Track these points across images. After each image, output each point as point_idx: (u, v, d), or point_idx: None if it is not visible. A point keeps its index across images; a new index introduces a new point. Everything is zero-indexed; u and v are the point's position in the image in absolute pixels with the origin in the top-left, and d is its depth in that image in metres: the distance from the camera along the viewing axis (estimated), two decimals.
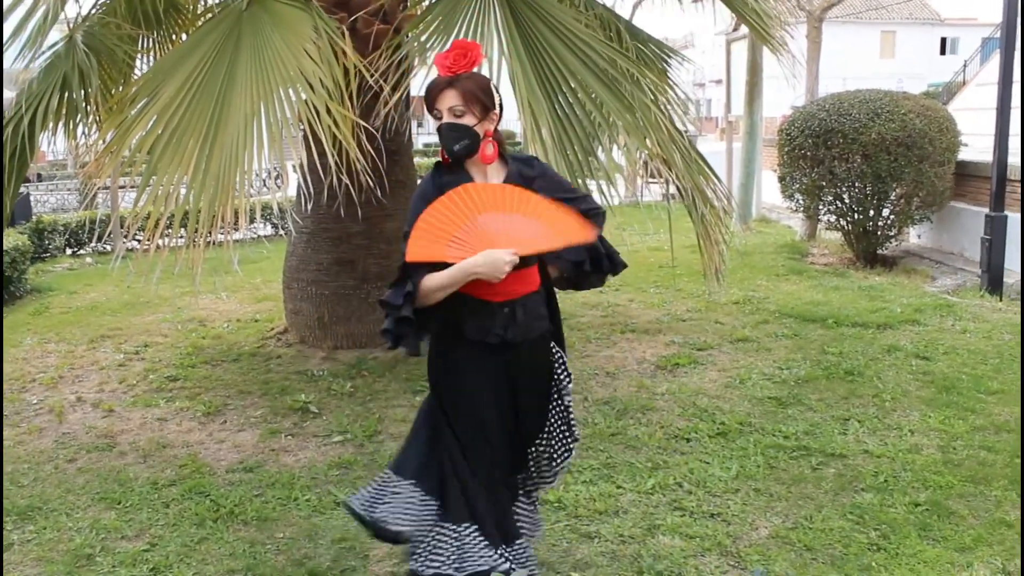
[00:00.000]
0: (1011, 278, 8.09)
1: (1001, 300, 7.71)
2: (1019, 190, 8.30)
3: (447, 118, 2.64)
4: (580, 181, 4.62)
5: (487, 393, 2.80)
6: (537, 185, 2.75)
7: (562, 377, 2.92)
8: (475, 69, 2.69)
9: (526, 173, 2.78)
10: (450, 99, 2.62)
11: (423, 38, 4.88)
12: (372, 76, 4.61)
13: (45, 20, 5.62)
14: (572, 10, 5.27)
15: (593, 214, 2.83)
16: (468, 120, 2.63)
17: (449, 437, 2.81)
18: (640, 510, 3.79)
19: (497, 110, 2.71)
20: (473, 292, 2.68)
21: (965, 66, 31.88)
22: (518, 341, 2.77)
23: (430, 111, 2.68)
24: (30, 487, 4.21)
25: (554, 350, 2.91)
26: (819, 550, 3.44)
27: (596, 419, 4.86)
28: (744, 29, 14.78)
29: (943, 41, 45.35)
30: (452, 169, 2.74)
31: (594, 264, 2.88)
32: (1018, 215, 8.09)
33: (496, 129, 2.73)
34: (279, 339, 6.57)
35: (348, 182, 4.46)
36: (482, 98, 2.65)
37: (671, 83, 5.82)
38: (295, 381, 5.65)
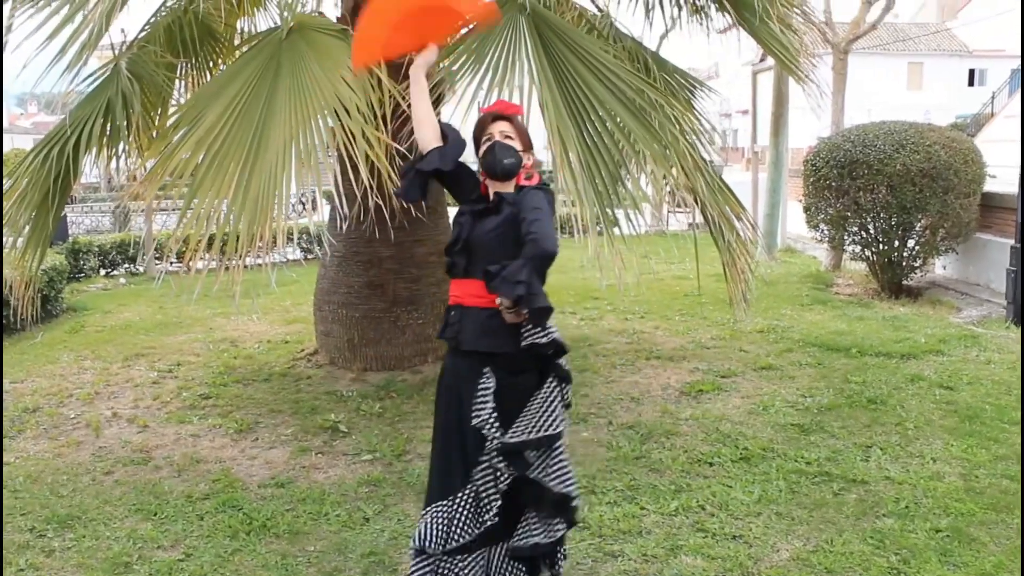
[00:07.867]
0: None
1: None
2: None
3: (498, 138, 2.95)
4: (608, 210, 4.72)
5: (443, 391, 3.04)
6: (514, 210, 2.88)
7: (480, 405, 2.87)
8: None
9: (512, 201, 2.91)
10: (501, 126, 2.97)
11: (455, 67, 5.02)
12: (405, 101, 4.74)
13: (88, 42, 5.81)
14: (600, 41, 5.39)
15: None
16: (516, 144, 2.96)
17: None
18: (663, 531, 3.85)
19: (533, 153, 3.03)
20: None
21: (993, 98, 31.80)
22: (465, 349, 2.90)
23: (477, 142, 2.99)
24: (69, 497, 4.35)
25: (484, 377, 2.88)
26: (839, 573, 3.49)
27: (620, 443, 4.93)
28: (770, 60, 14.90)
29: (971, 72, 45.18)
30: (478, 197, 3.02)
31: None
32: None
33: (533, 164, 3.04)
34: (309, 360, 6.70)
35: (381, 203, 4.59)
36: (525, 133, 3.02)
37: (697, 113, 5.93)
38: (325, 401, 5.77)
